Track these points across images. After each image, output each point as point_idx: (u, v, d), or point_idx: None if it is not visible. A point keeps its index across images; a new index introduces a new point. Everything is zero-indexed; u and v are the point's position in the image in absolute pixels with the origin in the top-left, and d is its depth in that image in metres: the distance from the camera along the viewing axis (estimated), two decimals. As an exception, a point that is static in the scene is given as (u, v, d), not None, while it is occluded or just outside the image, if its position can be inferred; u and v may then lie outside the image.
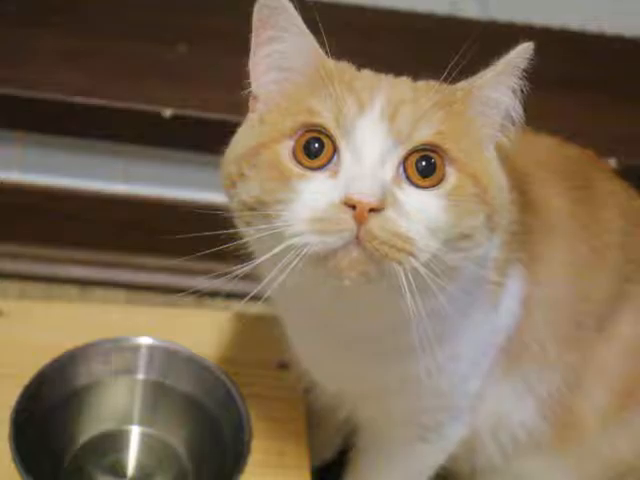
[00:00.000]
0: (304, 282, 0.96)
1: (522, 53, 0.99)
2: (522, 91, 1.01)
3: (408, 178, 0.96)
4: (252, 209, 0.98)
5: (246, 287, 0.99)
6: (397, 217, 0.93)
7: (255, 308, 1.03)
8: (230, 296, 1.20)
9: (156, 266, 1.61)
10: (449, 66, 0.99)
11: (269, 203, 0.96)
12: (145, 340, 1.24)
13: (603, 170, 1.33)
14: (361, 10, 1.75)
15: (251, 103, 1.05)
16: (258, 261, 0.98)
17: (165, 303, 1.59)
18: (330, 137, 0.97)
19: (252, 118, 1.05)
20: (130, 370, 1.24)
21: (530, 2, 1.82)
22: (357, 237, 0.91)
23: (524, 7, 1.79)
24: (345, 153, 0.96)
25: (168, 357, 1.24)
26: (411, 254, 0.92)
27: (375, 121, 0.96)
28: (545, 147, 1.27)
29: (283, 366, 1.37)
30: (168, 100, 1.52)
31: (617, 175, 1.33)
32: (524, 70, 1.00)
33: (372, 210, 0.91)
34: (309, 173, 0.96)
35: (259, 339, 1.37)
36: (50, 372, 1.19)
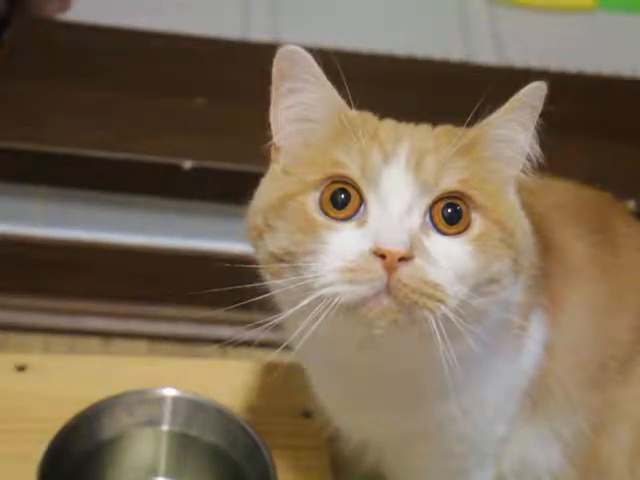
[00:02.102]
0: (333, 332, 0.97)
1: (533, 90, 1.00)
2: (537, 130, 1.01)
3: (435, 226, 0.97)
4: (280, 261, 0.99)
5: (270, 336, 1.00)
6: (426, 265, 0.94)
7: (283, 359, 1.03)
8: (253, 345, 1.20)
9: (177, 316, 1.61)
10: (470, 115, 1.00)
11: (297, 254, 0.97)
12: (169, 391, 1.24)
13: (621, 213, 1.33)
14: (377, 58, 1.77)
15: (273, 154, 1.06)
16: (287, 314, 0.98)
17: (187, 353, 1.59)
18: (356, 188, 0.98)
19: (275, 169, 1.06)
20: (155, 421, 1.24)
21: (545, 47, 1.85)
22: (387, 286, 0.92)
23: (540, 52, 1.82)
24: (372, 203, 0.97)
25: (192, 408, 1.23)
26: (441, 301, 0.94)
27: (400, 171, 0.97)
28: (563, 191, 1.28)
29: (307, 414, 1.37)
30: (187, 152, 1.54)
31: (636, 217, 1.34)
32: (537, 108, 1.00)
33: (401, 259, 0.92)
34: (336, 224, 0.97)
35: (283, 388, 1.36)
36: (75, 426, 1.19)
